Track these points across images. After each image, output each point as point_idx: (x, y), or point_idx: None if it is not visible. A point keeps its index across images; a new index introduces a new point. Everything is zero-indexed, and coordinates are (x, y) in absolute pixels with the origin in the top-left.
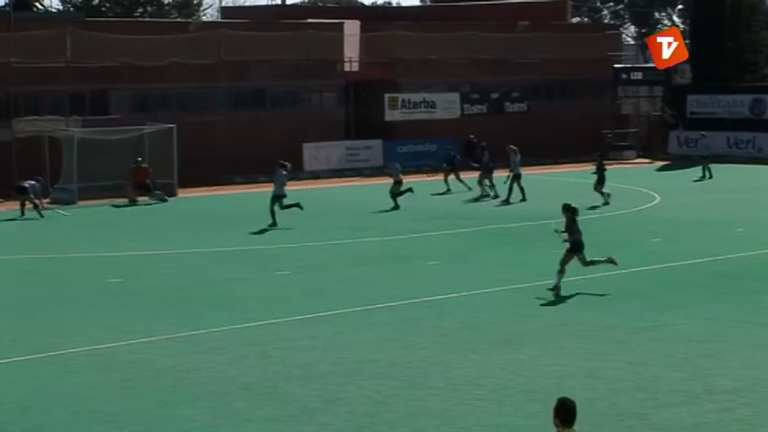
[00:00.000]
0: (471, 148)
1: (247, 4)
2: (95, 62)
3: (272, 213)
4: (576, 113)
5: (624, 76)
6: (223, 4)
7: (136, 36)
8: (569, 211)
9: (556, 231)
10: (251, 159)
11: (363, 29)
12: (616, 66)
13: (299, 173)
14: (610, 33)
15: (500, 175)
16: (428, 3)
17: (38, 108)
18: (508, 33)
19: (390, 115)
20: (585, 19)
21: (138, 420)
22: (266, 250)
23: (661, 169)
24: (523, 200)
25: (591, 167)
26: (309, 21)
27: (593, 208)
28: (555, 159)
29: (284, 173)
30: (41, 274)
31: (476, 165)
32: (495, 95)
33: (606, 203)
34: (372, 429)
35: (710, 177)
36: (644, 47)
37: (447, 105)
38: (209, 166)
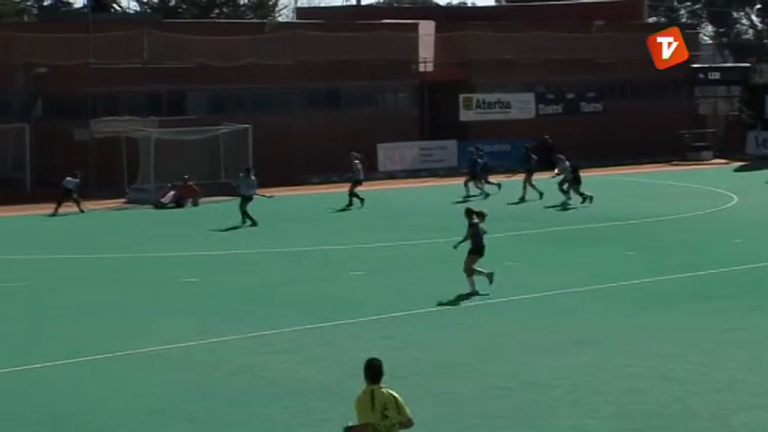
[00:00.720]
0: (547, 150)
1: (323, 4)
2: (172, 63)
3: (247, 215)
4: (653, 114)
5: (702, 75)
6: (298, 4)
7: (212, 37)
8: (471, 215)
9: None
10: (326, 159)
11: (438, 29)
12: (693, 66)
13: (373, 173)
14: (687, 33)
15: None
16: (503, 3)
17: (115, 109)
18: (583, 33)
19: (465, 115)
20: (662, 18)
21: (213, 419)
22: (341, 250)
23: (739, 170)
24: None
25: (667, 168)
26: (384, 21)
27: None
28: (631, 160)
29: (253, 178)
30: (118, 274)
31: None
32: (570, 96)
33: (582, 202)
34: (446, 429)
35: None
36: (722, 47)
37: (522, 106)
38: (285, 166)
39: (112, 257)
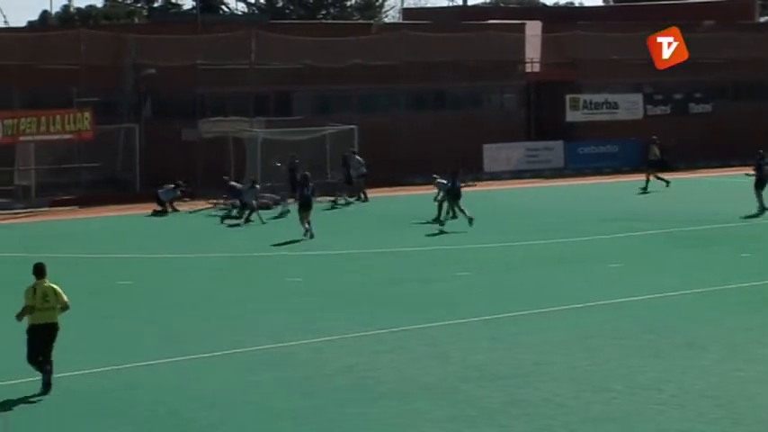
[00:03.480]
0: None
1: (429, 5)
2: (279, 64)
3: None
4: (764, 115)
5: None
6: (405, 5)
7: (319, 38)
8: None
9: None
10: (431, 160)
11: (545, 29)
12: None
13: (478, 174)
14: None
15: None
16: (611, 2)
17: (223, 109)
18: (692, 33)
19: (571, 116)
20: None
21: (318, 418)
22: (447, 251)
23: None
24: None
25: None
26: (491, 22)
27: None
28: (739, 161)
29: (257, 186)
30: (225, 273)
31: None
32: (678, 96)
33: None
34: None
35: None
36: None
37: (629, 106)
38: (389, 166)
39: (217, 257)
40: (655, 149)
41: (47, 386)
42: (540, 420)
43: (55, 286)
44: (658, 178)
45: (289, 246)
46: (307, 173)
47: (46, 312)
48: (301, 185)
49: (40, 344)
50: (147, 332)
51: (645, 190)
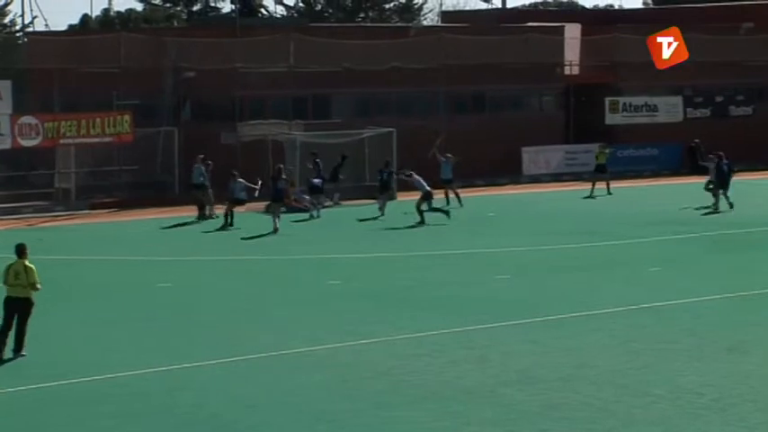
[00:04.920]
0: (695, 153)
1: (468, 8)
2: (317, 67)
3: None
4: None
5: None
6: (444, 8)
7: (357, 41)
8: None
9: None
10: (470, 163)
11: (584, 32)
12: None
13: (517, 177)
14: None
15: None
16: (650, 5)
17: (261, 112)
18: (732, 35)
19: (611, 119)
20: None
21: (357, 421)
22: (487, 254)
23: None
24: None
25: None
26: (530, 24)
27: None
28: None
29: (240, 181)
30: (266, 276)
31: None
32: (719, 99)
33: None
34: None
35: None
36: None
37: (669, 109)
38: (428, 169)
39: (256, 259)
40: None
41: None
42: (580, 424)
43: (29, 264)
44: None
45: (328, 248)
46: (280, 165)
47: (16, 288)
48: (274, 179)
49: (11, 316)
50: (186, 334)
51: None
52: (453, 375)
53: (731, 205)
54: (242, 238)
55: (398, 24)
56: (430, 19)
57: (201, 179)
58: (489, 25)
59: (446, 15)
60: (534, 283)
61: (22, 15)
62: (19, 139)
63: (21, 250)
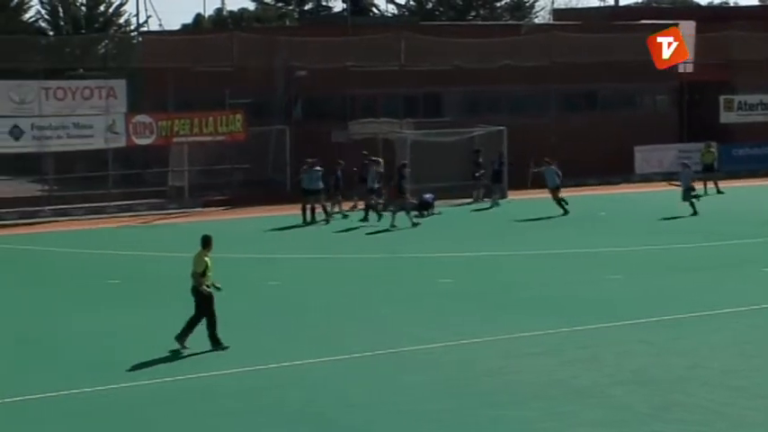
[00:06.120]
0: None
1: (579, 5)
2: (428, 65)
3: None
4: None
5: None
6: (555, 6)
7: (468, 39)
8: None
9: None
10: (582, 162)
11: (699, 29)
12: None
13: (629, 175)
14: None
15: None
16: (767, 2)
17: (372, 110)
18: None
19: (725, 117)
20: None
21: (463, 420)
22: (597, 253)
23: None
24: None
25: None
26: (642, 22)
27: None
28: None
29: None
30: (376, 274)
31: None
32: None
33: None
34: None
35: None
36: None
37: None
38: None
39: (367, 258)
40: None
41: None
42: (693, 427)
43: (199, 256)
44: None
45: (440, 246)
46: (404, 162)
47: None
48: (400, 175)
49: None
50: (295, 332)
51: None
52: (564, 375)
53: None
54: (342, 233)
55: (509, 22)
56: (541, 17)
57: (316, 183)
58: (601, 23)
59: (557, 13)
60: (648, 282)
61: (137, 15)
62: (134, 138)
63: (208, 239)
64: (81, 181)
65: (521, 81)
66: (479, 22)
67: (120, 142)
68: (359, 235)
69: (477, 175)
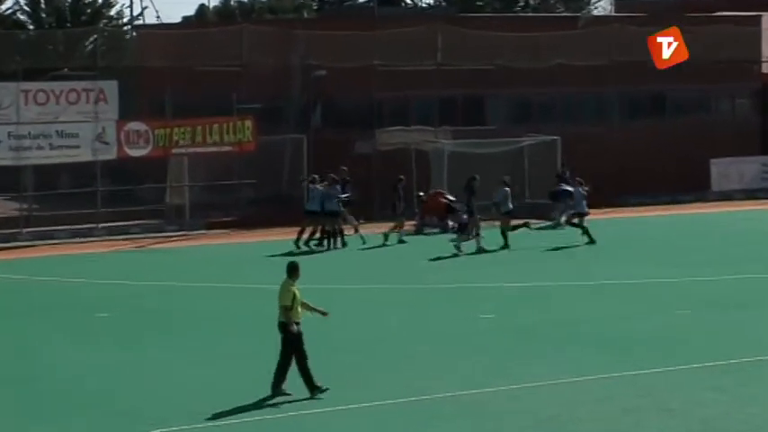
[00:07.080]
0: None
1: None
2: (469, 64)
3: None
4: None
5: None
6: None
7: (516, 34)
8: None
9: None
10: (648, 176)
11: None
12: None
13: (704, 193)
14: None
15: None
16: None
17: (403, 117)
18: None
19: None
20: None
21: None
22: (663, 284)
23: None
24: None
25: None
26: (718, 14)
27: None
28: None
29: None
30: (410, 306)
31: None
32: None
33: None
34: None
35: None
36: None
37: None
38: (599, 183)
39: (400, 288)
40: None
41: None
42: None
43: (285, 287)
44: None
45: (483, 276)
46: (475, 176)
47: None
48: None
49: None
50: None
51: None
52: (627, 425)
53: None
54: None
55: (564, 14)
56: (601, 8)
57: (334, 203)
58: (671, 15)
59: (620, 3)
60: (720, 319)
61: (131, 6)
62: (126, 149)
63: (295, 267)
64: (65, 198)
65: (577, 83)
66: (529, 14)
67: (111, 154)
68: (387, 261)
69: (396, 206)
